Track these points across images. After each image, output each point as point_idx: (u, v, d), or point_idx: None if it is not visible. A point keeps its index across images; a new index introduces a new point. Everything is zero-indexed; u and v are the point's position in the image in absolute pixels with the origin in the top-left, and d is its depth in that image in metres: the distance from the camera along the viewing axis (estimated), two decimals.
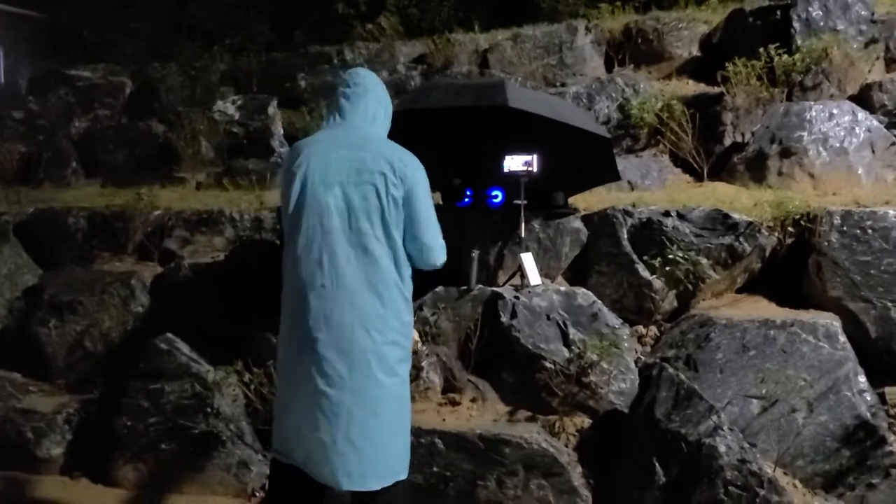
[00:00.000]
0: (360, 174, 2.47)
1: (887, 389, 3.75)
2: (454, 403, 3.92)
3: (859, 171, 5.05)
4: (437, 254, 2.62)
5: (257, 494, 3.89)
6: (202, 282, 4.77)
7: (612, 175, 4.49)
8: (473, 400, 3.96)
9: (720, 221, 4.23)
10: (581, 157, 4.35)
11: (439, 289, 4.16)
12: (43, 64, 10.22)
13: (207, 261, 4.90)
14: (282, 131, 7.12)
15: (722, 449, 3.18)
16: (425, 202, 2.56)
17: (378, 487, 2.42)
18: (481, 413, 3.88)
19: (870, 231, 3.94)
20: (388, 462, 2.45)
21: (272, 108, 7.27)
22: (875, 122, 5.22)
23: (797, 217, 4.09)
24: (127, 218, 5.39)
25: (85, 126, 7.99)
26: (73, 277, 5.11)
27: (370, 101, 2.66)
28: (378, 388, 2.42)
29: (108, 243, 5.42)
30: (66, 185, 7.02)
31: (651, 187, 5.48)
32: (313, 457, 2.41)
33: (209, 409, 4.00)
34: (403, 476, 2.51)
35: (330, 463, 2.38)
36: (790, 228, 4.09)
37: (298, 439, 2.44)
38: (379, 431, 2.41)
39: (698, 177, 5.53)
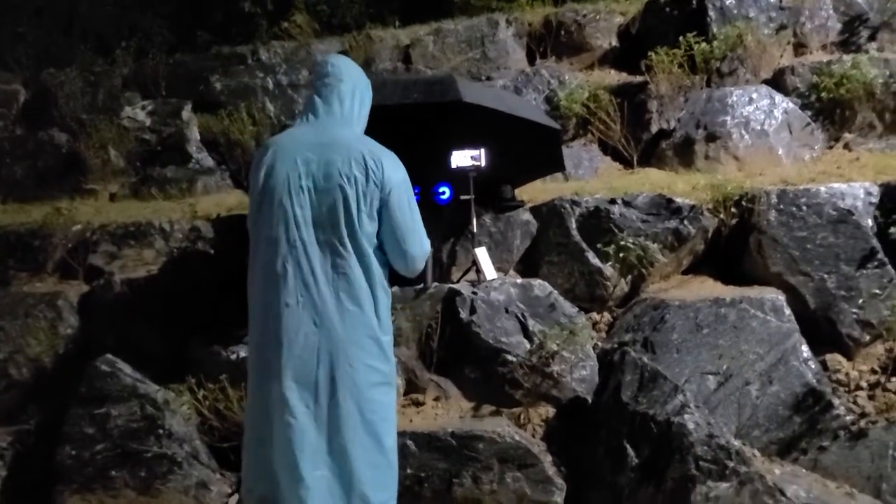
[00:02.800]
0: (329, 179, 2.26)
1: (827, 356, 3.95)
2: (418, 404, 3.90)
3: (780, 152, 5.30)
4: (420, 263, 2.48)
5: None
6: (136, 298, 4.53)
7: (558, 165, 4.55)
8: (437, 399, 3.94)
9: (664, 206, 4.36)
10: (527, 149, 4.39)
11: (395, 289, 4.07)
12: None
13: (140, 275, 4.65)
14: (198, 136, 6.84)
15: (691, 426, 3.26)
16: (407, 207, 2.39)
17: None
18: (446, 411, 3.87)
19: (804, 208, 4.13)
20: (362, 493, 2.26)
21: (186, 113, 6.97)
22: (790, 104, 5.49)
23: (737, 198, 4.26)
24: (44, 235, 5.04)
25: None
26: None
27: (344, 92, 2.43)
28: (347, 416, 2.23)
29: (24, 263, 5.05)
30: None
31: (585, 176, 5.59)
32: (280, 492, 2.23)
33: (161, 431, 3.81)
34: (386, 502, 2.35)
35: (298, 498, 2.20)
36: (733, 209, 4.25)
37: (266, 474, 2.25)
38: (352, 458, 2.24)
39: (628, 164, 5.67)
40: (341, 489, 2.25)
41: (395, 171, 2.36)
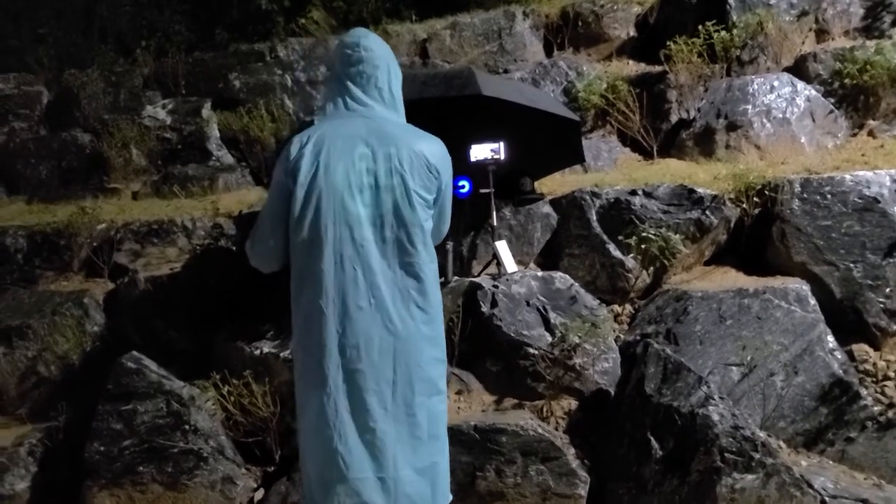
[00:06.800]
0: (391, 175, 2.15)
1: (854, 347, 3.91)
2: None
3: (802, 140, 5.24)
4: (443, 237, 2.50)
5: None
6: (160, 295, 4.57)
7: (577, 157, 4.53)
8: (459, 392, 3.95)
9: (686, 197, 4.33)
10: (546, 142, 4.37)
11: None
12: None
13: (164, 273, 4.69)
14: (218, 134, 6.89)
15: (715, 418, 3.25)
16: (449, 192, 2.35)
17: None
18: (469, 405, 3.88)
19: (829, 196, 4.09)
20: (439, 486, 2.23)
21: (206, 111, 7.03)
22: (813, 92, 5.43)
23: (759, 188, 4.22)
24: (70, 234, 5.11)
25: (0, 140, 7.53)
26: (18, 300, 4.81)
27: (381, 80, 2.28)
28: (423, 411, 2.19)
29: (51, 262, 5.14)
30: None
31: (604, 168, 5.56)
32: (363, 499, 2.13)
33: (187, 427, 3.84)
34: (450, 497, 2.31)
35: (384, 501, 2.14)
36: (755, 199, 4.21)
37: (343, 485, 2.12)
38: (428, 456, 2.20)
39: (648, 155, 5.64)
40: (425, 487, 2.19)
41: (448, 162, 2.30)
